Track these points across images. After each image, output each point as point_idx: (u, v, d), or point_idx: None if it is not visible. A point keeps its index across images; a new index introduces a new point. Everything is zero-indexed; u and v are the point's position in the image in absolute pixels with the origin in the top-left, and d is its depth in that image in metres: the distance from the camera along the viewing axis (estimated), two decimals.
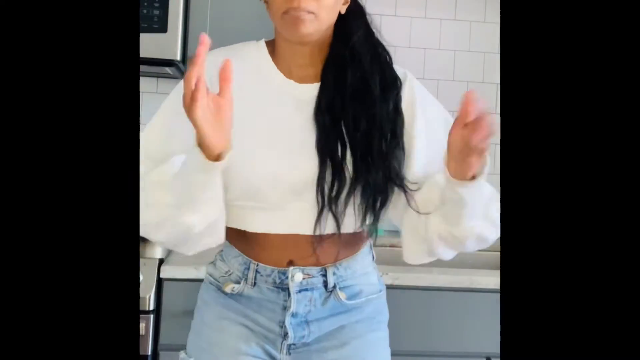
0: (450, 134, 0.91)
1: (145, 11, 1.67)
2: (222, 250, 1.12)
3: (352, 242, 1.06)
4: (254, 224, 1.04)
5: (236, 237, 1.06)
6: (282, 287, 1.03)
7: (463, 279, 1.58)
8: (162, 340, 1.56)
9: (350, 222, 1.01)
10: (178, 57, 1.70)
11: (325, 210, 0.99)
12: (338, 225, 1.00)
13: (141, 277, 1.54)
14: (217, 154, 0.90)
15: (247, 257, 1.05)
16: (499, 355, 0.65)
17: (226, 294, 1.06)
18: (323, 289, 1.05)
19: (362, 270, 1.09)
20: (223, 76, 0.87)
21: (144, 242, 1.42)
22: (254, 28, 1.78)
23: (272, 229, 1.02)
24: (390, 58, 1.08)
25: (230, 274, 1.07)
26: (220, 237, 1.01)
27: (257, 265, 1.04)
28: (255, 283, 1.04)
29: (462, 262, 1.52)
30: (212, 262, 1.13)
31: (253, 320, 1.05)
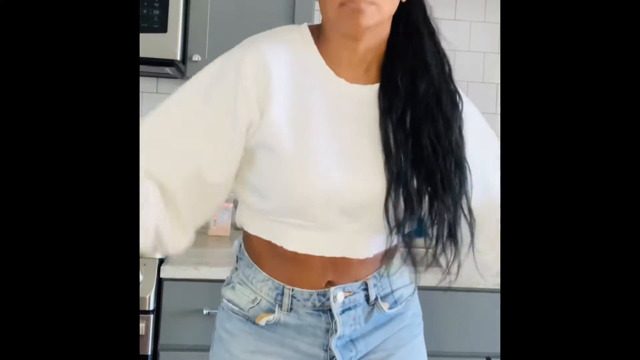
0: None
1: (145, 11, 1.67)
2: (236, 269, 1.01)
3: (390, 249, 0.96)
4: (295, 243, 0.92)
5: (265, 252, 0.95)
6: (323, 310, 0.94)
7: (463, 279, 1.58)
8: (162, 340, 1.56)
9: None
10: (178, 57, 1.70)
11: (396, 238, 0.90)
12: (412, 256, 0.93)
13: (141, 277, 1.54)
14: None
15: (278, 282, 0.94)
16: (499, 355, 0.65)
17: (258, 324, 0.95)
18: (365, 304, 0.96)
19: (398, 273, 1.00)
20: None
21: None
22: (254, 28, 1.79)
23: (317, 251, 0.91)
24: (450, 67, 0.95)
25: (258, 302, 0.95)
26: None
27: (292, 290, 0.93)
28: (291, 308, 0.94)
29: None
30: (229, 285, 1.00)
31: (292, 348, 0.95)
